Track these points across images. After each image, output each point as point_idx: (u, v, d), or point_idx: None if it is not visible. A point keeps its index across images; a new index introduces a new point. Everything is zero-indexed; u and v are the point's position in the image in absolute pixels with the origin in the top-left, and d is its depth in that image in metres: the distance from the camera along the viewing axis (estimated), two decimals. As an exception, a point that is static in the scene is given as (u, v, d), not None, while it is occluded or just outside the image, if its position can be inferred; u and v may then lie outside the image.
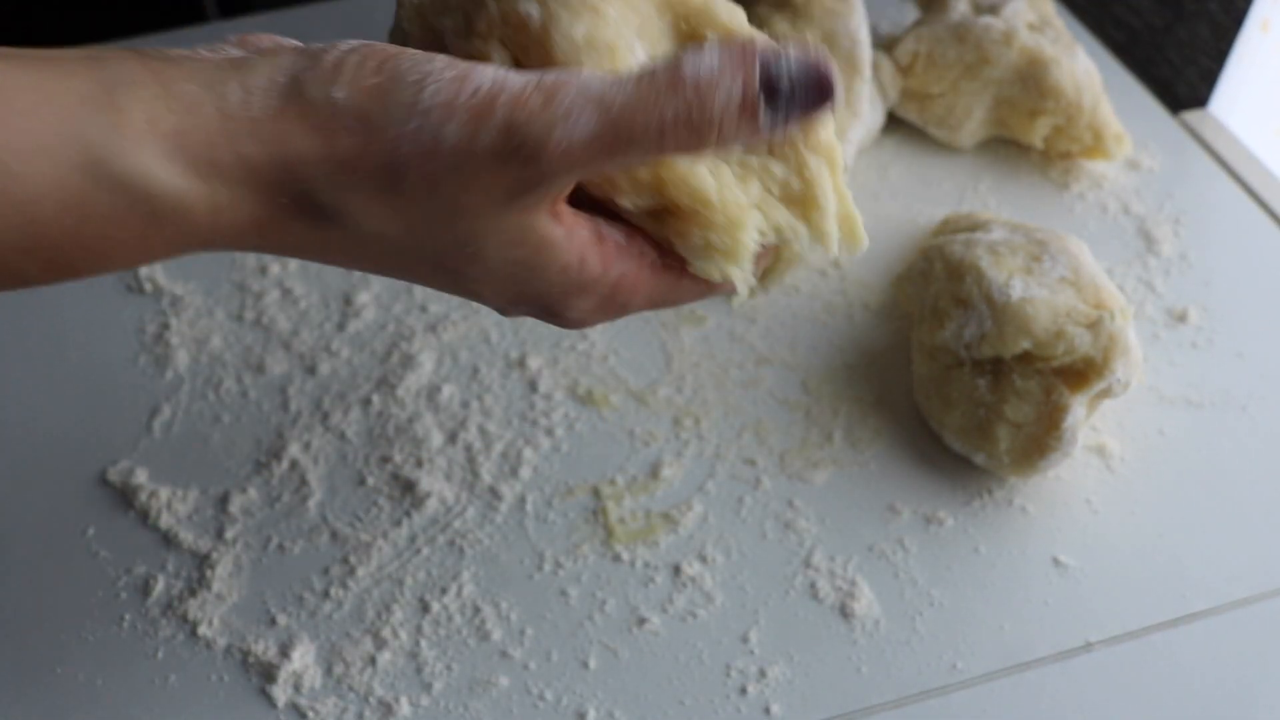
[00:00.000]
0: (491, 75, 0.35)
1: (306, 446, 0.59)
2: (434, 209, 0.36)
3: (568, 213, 0.38)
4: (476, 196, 0.35)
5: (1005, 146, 0.74)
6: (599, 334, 0.64)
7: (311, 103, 0.34)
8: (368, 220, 0.36)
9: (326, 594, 0.54)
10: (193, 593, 0.54)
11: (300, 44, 0.37)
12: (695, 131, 0.35)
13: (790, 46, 0.35)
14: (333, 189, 0.35)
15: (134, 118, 0.33)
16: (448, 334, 0.64)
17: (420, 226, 0.36)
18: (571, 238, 0.38)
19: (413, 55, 0.35)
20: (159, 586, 0.54)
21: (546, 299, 0.39)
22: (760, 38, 0.37)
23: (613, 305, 0.40)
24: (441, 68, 0.35)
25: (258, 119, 0.34)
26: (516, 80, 0.35)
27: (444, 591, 0.54)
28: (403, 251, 0.37)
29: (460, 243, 0.37)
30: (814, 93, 0.35)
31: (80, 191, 0.33)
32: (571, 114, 0.34)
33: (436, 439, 0.59)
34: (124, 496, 0.57)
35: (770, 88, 0.35)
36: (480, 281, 0.38)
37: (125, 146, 0.33)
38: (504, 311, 0.41)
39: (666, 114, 0.34)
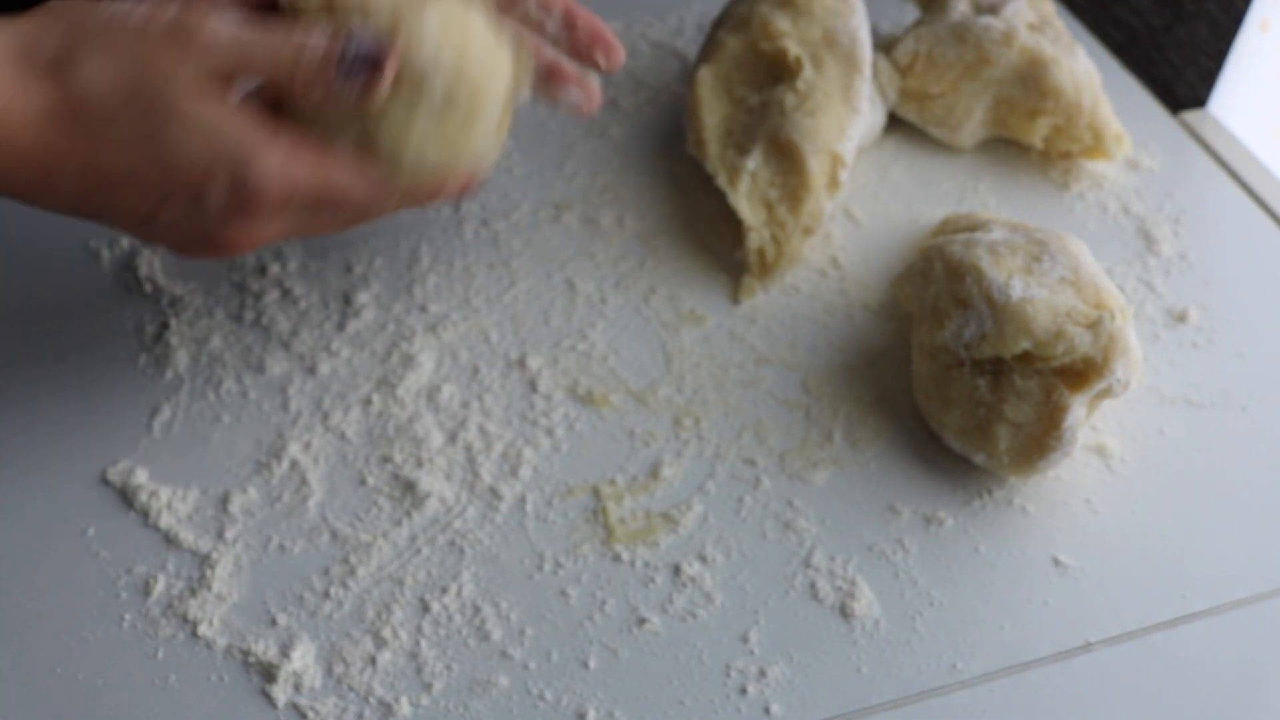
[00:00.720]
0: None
1: (306, 446, 0.59)
2: (130, 74, 0.47)
3: (234, 101, 0.49)
4: (158, 69, 0.48)
5: (1005, 146, 0.74)
6: (599, 334, 0.64)
7: (50, 6, 0.47)
8: (87, 71, 0.47)
9: (326, 594, 0.54)
10: (193, 593, 0.54)
11: None
12: (290, 70, 0.49)
13: (365, 31, 0.49)
14: (63, 51, 0.47)
15: None
16: (448, 334, 0.64)
17: (124, 90, 0.47)
18: (244, 115, 0.49)
19: None
20: (159, 586, 0.54)
21: (236, 156, 0.49)
22: (365, 26, 0.50)
23: (286, 173, 0.50)
24: None
25: (15, 22, 0.46)
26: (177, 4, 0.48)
27: (444, 591, 0.54)
28: (114, 117, 0.48)
29: (154, 107, 0.48)
30: (368, 65, 0.49)
31: None
32: (218, 24, 0.48)
33: (436, 439, 0.59)
34: (124, 496, 0.57)
35: (342, 57, 0.49)
36: (179, 146, 0.48)
37: None
38: (202, 189, 0.49)
39: (280, 51, 0.49)
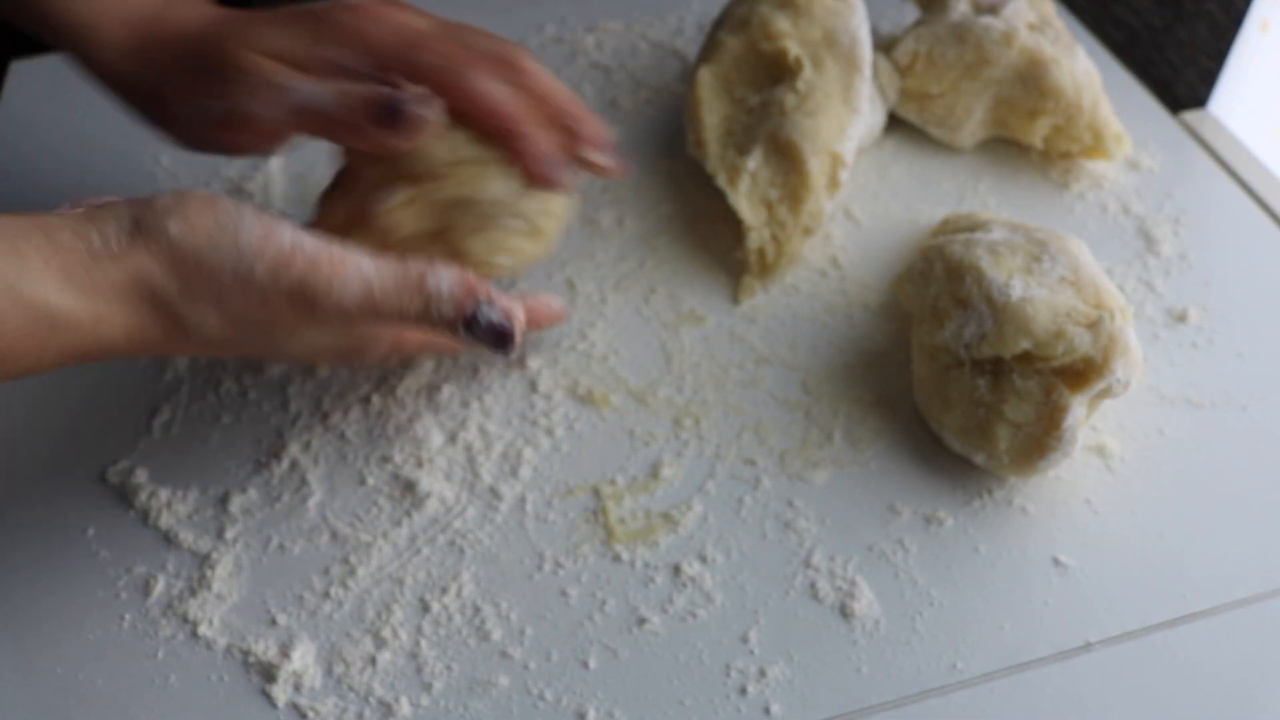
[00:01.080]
0: (290, 235, 0.48)
1: (306, 446, 0.59)
2: (249, 322, 0.49)
3: None
4: (277, 329, 0.50)
5: (1005, 146, 0.74)
6: (599, 334, 0.64)
7: (153, 238, 0.47)
8: (205, 323, 0.49)
9: (326, 594, 0.54)
10: (193, 593, 0.54)
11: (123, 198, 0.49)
12: (419, 322, 0.51)
13: (499, 302, 0.52)
14: (179, 300, 0.48)
15: (33, 259, 0.45)
16: (348, 361, 0.64)
17: (242, 332, 0.50)
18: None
19: (225, 203, 0.48)
20: (159, 586, 0.54)
21: (339, 360, 0.57)
22: (482, 285, 0.52)
23: (391, 350, 0.58)
24: (251, 220, 0.48)
25: (115, 253, 0.47)
26: (309, 243, 0.49)
27: (444, 591, 0.54)
28: (231, 345, 0.51)
29: (267, 343, 0.52)
30: (497, 338, 0.52)
31: (3, 317, 0.44)
32: (347, 283, 0.49)
33: (436, 439, 0.59)
34: (124, 496, 0.57)
35: (471, 321, 0.51)
36: (289, 356, 0.55)
37: (30, 278, 0.45)
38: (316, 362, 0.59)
39: (406, 305, 0.50)
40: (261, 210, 0.49)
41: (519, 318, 0.52)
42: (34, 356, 0.46)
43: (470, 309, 0.51)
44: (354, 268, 0.49)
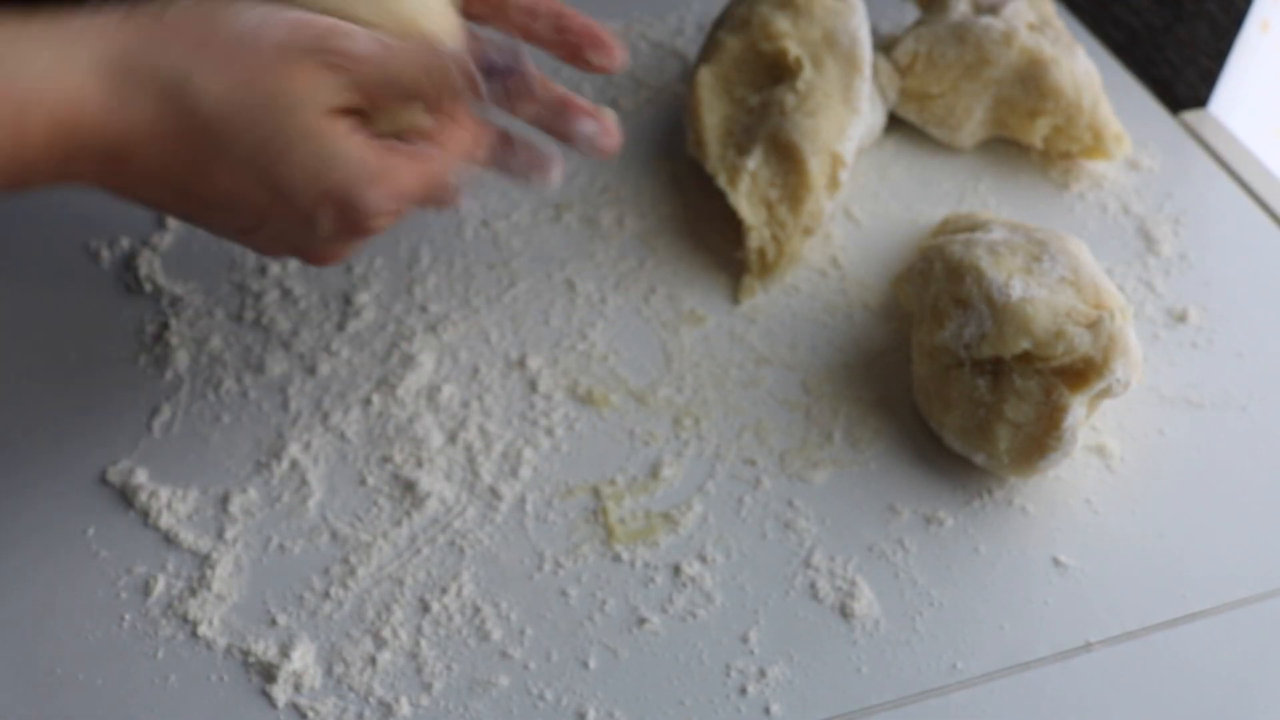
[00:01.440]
0: (298, 10, 0.45)
1: (306, 446, 0.59)
2: (260, 89, 0.44)
3: (354, 124, 0.47)
4: (296, 88, 0.45)
5: (1005, 146, 0.74)
6: (599, 334, 0.64)
7: (155, 13, 0.44)
8: (202, 91, 0.44)
9: (326, 594, 0.54)
10: (193, 593, 0.54)
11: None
12: (430, 73, 0.47)
13: (495, 41, 0.49)
14: (178, 61, 0.43)
15: (7, 30, 0.42)
16: (448, 334, 0.64)
17: (246, 106, 0.44)
18: (360, 141, 0.47)
19: None
20: (159, 586, 0.54)
21: (349, 191, 0.46)
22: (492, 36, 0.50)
23: (397, 193, 0.48)
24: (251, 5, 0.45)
25: (110, 20, 0.43)
26: (320, 17, 0.45)
27: (444, 591, 0.54)
28: (229, 135, 0.45)
29: (278, 128, 0.45)
30: (507, 72, 0.48)
31: None
32: (361, 42, 0.45)
33: (436, 439, 0.59)
34: (124, 496, 0.57)
35: (479, 58, 0.48)
36: (294, 173, 0.46)
37: (12, 43, 0.42)
38: (312, 215, 0.47)
39: (418, 56, 0.47)
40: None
41: (519, 46, 0.49)
42: (15, 131, 0.42)
43: (480, 59, 0.48)
44: (364, 33, 0.46)
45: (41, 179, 0.44)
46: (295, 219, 0.47)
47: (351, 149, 0.46)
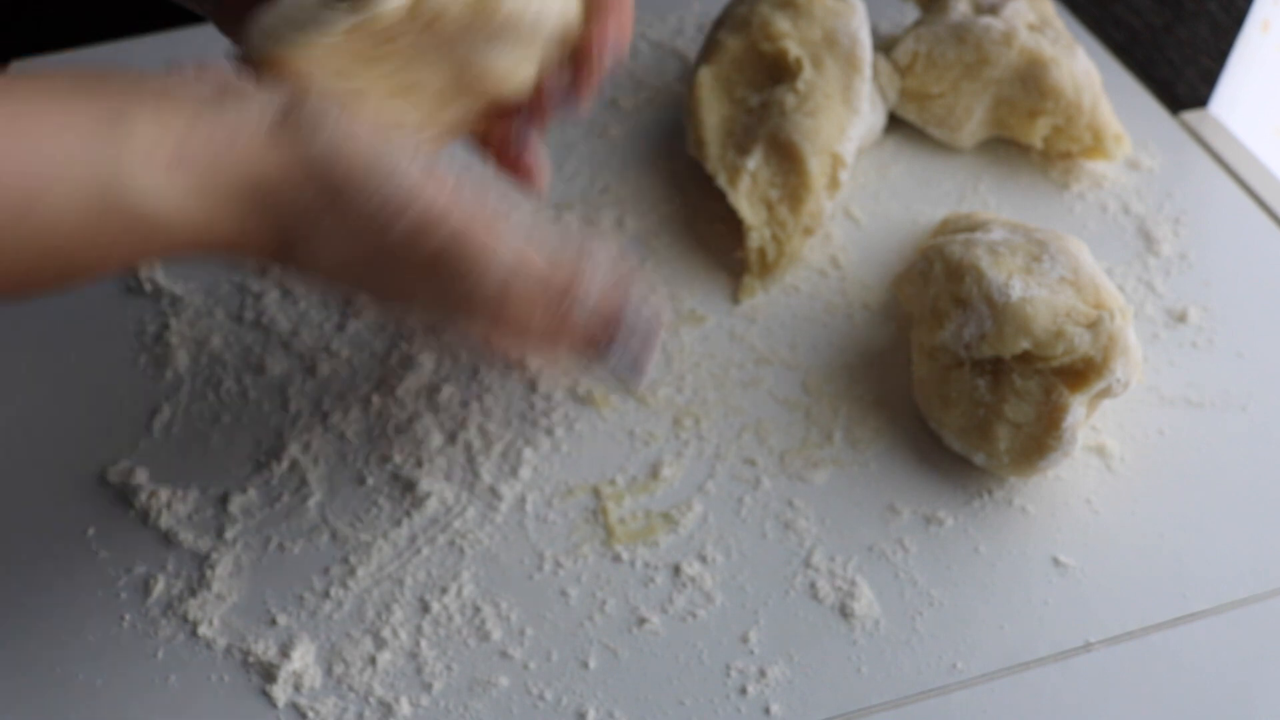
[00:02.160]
0: (449, 187, 0.42)
1: (306, 446, 0.59)
2: (365, 269, 0.43)
3: None
4: (398, 279, 0.43)
5: (1005, 146, 0.74)
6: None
7: (300, 139, 0.40)
8: (319, 255, 0.42)
9: (326, 594, 0.54)
10: (193, 593, 0.54)
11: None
12: (562, 315, 0.44)
13: (641, 311, 0.46)
14: (302, 220, 0.41)
15: (140, 137, 0.37)
16: (448, 334, 0.64)
17: (353, 276, 0.43)
18: None
19: (387, 135, 0.41)
20: (159, 586, 0.54)
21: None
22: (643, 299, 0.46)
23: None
24: (411, 151, 0.41)
25: (246, 146, 0.39)
26: (468, 201, 0.42)
27: (444, 591, 0.54)
28: (337, 281, 0.44)
29: (378, 291, 0.44)
30: (642, 359, 0.46)
31: (93, 213, 0.37)
32: (488, 271, 0.42)
33: (436, 439, 0.59)
34: (124, 496, 0.57)
35: (613, 337, 0.45)
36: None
37: (133, 165, 0.37)
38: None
39: (543, 314, 0.44)
40: (424, 140, 0.43)
41: (655, 348, 0.47)
42: (129, 258, 0.40)
43: (611, 328, 0.45)
44: (502, 252, 0.43)
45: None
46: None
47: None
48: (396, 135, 0.42)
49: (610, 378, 0.47)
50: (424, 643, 0.52)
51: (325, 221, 0.41)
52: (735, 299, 0.66)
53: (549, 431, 0.60)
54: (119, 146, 0.37)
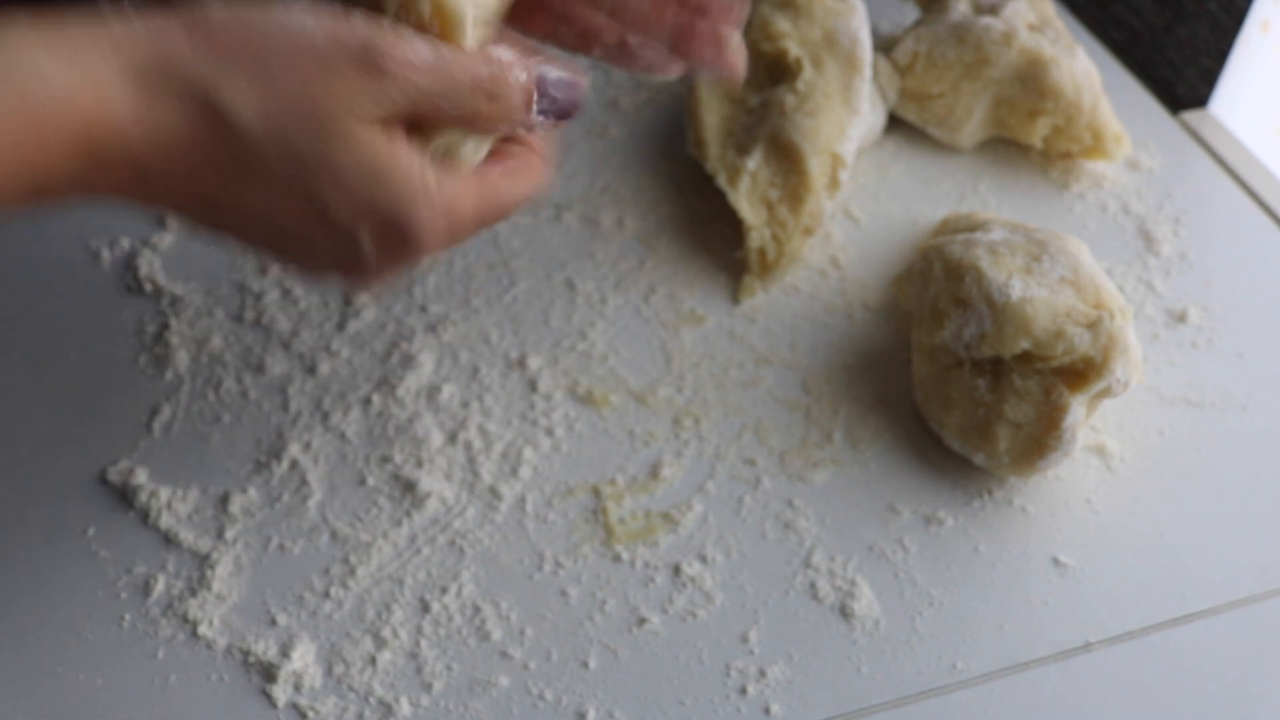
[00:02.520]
0: (340, 10, 0.42)
1: (306, 446, 0.59)
2: (297, 99, 0.41)
3: (402, 137, 0.43)
4: (335, 97, 0.41)
5: (1005, 146, 0.74)
6: (599, 334, 0.64)
7: (184, 19, 0.40)
8: (235, 102, 0.40)
9: (326, 594, 0.54)
10: (193, 593, 0.54)
11: None
12: (491, 96, 0.44)
13: (557, 70, 0.46)
14: (210, 74, 0.40)
15: (24, 31, 0.38)
16: (448, 334, 0.64)
17: (282, 118, 0.41)
18: (410, 154, 0.43)
19: None
20: (159, 586, 0.54)
21: (395, 208, 0.43)
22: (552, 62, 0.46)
23: (450, 216, 0.45)
24: (288, 6, 0.41)
25: (131, 27, 0.40)
26: (366, 21, 0.42)
27: (444, 591, 0.54)
28: (263, 150, 0.41)
29: (315, 140, 0.41)
30: (569, 104, 0.46)
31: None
32: (414, 47, 0.42)
33: (436, 439, 0.59)
34: (124, 496, 0.57)
35: (542, 89, 0.45)
36: (332, 188, 0.42)
37: (17, 46, 0.38)
38: (353, 234, 0.44)
39: (479, 72, 0.43)
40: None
41: (582, 77, 0.46)
42: (35, 147, 0.39)
43: (538, 72, 0.45)
44: (418, 37, 0.42)
45: (62, 193, 0.41)
46: (335, 237, 0.44)
47: (399, 162, 0.43)
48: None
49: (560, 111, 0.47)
50: (424, 643, 0.52)
51: (236, 70, 0.40)
52: (735, 299, 0.66)
53: (549, 431, 0.60)
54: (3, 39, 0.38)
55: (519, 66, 0.44)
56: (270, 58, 0.41)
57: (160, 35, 0.40)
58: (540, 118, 0.45)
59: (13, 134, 0.38)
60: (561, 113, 0.46)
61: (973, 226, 0.64)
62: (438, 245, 0.45)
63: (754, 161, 0.66)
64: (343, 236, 0.44)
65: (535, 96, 0.45)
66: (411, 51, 0.42)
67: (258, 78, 0.41)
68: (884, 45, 0.74)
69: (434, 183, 0.43)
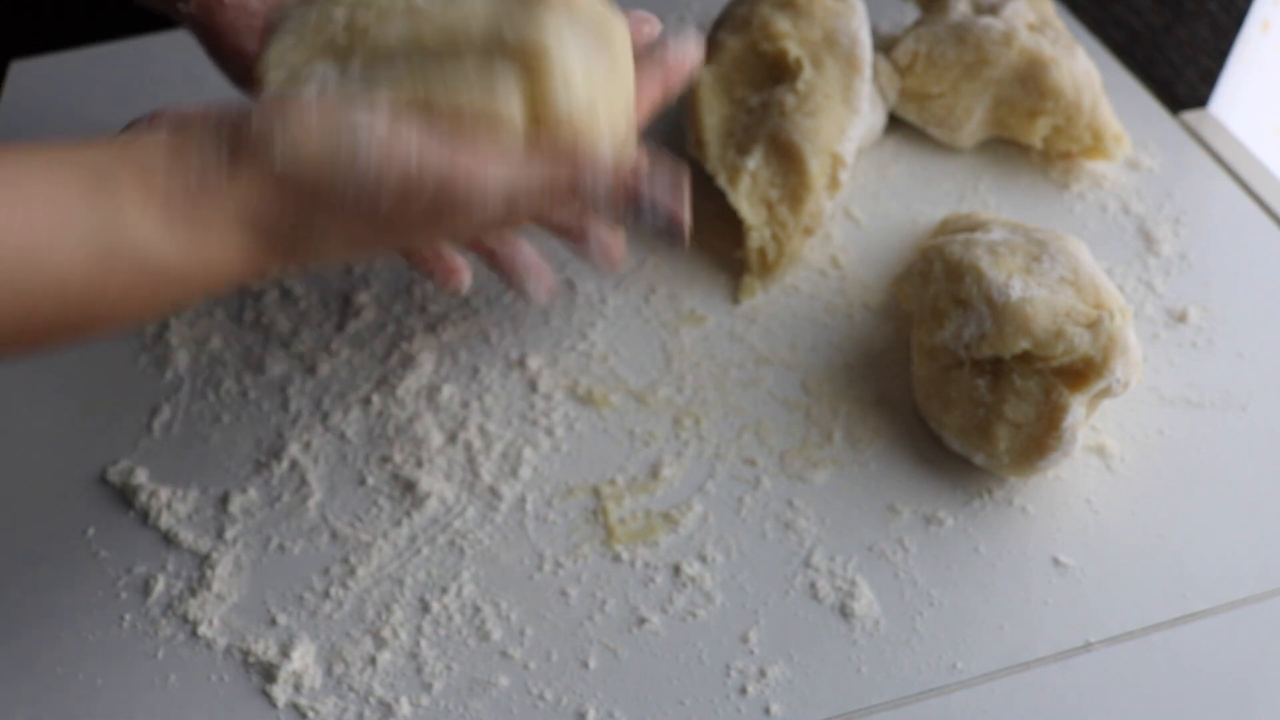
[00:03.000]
0: (415, 145, 0.42)
1: (306, 446, 0.59)
2: (378, 236, 0.44)
3: None
4: (412, 234, 0.45)
5: (1005, 146, 0.74)
6: (599, 334, 0.64)
7: (258, 163, 0.41)
8: (326, 244, 0.43)
9: (326, 594, 0.54)
10: (193, 593, 0.54)
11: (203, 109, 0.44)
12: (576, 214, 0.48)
13: (661, 196, 0.46)
14: (295, 228, 0.42)
15: (128, 201, 0.40)
16: (447, 334, 0.64)
17: (370, 244, 0.45)
18: None
19: (332, 111, 0.42)
20: (159, 586, 0.54)
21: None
22: (640, 171, 0.46)
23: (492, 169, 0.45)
24: (366, 132, 0.42)
25: (217, 184, 0.41)
26: (436, 153, 0.43)
27: (444, 591, 0.54)
28: (359, 252, 0.47)
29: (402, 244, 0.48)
30: (668, 231, 0.47)
31: (100, 267, 0.39)
32: (488, 197, 0.43)
33: (436, 439, 0.59)
34: (124, 496, 0.57)
35: (638, 206, 0.46)
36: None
37: (130, 225, 0.40)
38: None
39: (555, 204, 0.45)
40: (374, 103, 0.43)
41: (684, 199, 0.47)
42: (143, 308, 0.42)
43: (632, 203, 0.45)
44: (494, 175, 0.43)
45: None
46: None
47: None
48: (348, 108, 0.42)
49: (657, 238, 0.47)
50: (424, 643, 0.52)
51: (317, 222, 0.42)
52: (735, 299, 0.66)
53: (549, 431, 0.60)
54: (113, 199, 0.39)
55: (609, 195, 0.46)
56: (346, 214, 0.43)
57: (251, 196, 0.42)
58: (640, 224, 0.47)
59: (122, 304, 0.41)
60: (662, 219, 0.47)
61: (973, 226, 0.64)
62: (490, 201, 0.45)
63: (754, 161, 0.66)
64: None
65: (630, 197, 0.46)
66: (483, 205, 0.44)
67: (337, 230, 0.43)
68: (884, 45, 0.74)
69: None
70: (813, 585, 0.54)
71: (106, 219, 0.39)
